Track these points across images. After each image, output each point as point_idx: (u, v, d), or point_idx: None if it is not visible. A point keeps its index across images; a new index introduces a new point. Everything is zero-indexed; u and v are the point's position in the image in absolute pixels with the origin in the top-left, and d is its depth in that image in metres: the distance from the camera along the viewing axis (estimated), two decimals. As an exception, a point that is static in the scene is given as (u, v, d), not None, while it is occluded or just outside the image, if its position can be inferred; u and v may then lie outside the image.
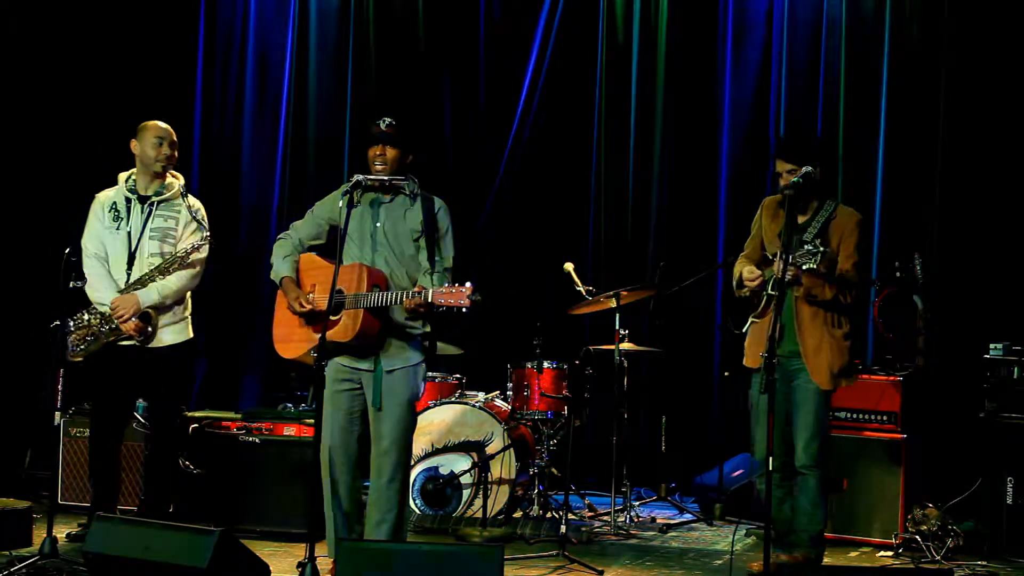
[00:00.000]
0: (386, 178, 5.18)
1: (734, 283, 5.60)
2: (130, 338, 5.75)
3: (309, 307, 5.14)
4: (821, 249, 5.20)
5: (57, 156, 8.25)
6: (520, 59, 8.31)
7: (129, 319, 5.71)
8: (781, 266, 5.05)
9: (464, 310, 4.84)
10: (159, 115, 6.08)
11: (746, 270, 5.47)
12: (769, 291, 5.42)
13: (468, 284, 4.84)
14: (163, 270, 5.77)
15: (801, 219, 5.46)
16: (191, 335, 5.94)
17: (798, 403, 5.47)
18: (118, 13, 8.33)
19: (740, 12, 8.00)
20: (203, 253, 5.89)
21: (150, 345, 5.79)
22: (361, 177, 5.12)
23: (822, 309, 5.43)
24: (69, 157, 8.25)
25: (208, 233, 5.90)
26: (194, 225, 5.87)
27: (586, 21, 8.27)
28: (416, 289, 5.01)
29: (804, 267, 5.20)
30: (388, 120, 5.21)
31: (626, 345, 6.87)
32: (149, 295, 5.75)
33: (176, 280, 5.80)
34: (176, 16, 8.54)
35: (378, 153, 5.20)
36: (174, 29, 8.53)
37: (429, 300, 4.90)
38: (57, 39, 8.28)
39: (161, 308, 5.79)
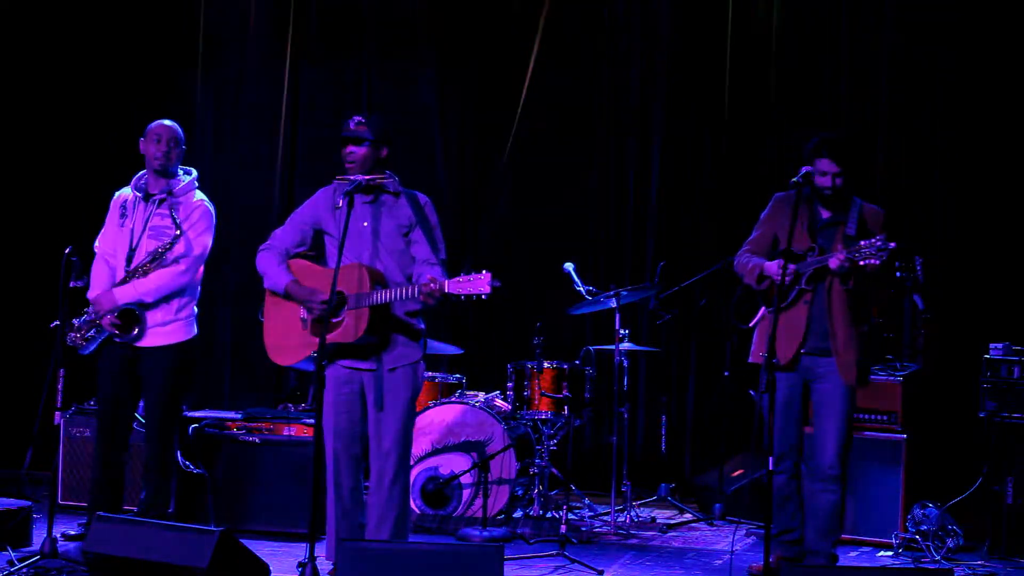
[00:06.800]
0: (368, 176, 5.10)
1: (752, 277, 5.50)
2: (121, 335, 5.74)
3: (327, 303, 4.96)
4: (889, 247, 5.17)
5: (58, 156, 8.26)
6: (521, 57, 8.30)
7: (105, 315, 5.68)
8: (838, 261, 5.18)
9: (484, 297, 4.79)
10: (160, 114, 6.07)
11: (775, 264, 5.36)
12: (803, 285, 5.38)
13: (485, 272, 4.80)
14: (144, 268, 5.73)
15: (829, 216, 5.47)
16: (191, 335, 5.84)
17: (824, 404, 5.38)
18: (123, 12, 8.36)
19: (741, 8, 7.99)
20: (192, 251, 5.73)
21: (140, 344, 5.76)
22: (362, 178, 5.08)
23: (855, 303, 5.38)
24: (70, 157, 8.27)
25: (180, 232, 5.68)
26: (190, 222, 5.77)
27: (587, 20, 8.27)
28: (429, 280, 4.87)
29: (862, 262, 5.18)
30: (357, 119, 5.15)
31: (626, 345, 6.87)
32: (126, 292, 5.68)
33: (155, 278, 5.69)
34: (178, 14, 8.54)
35: (349, 152, 5.14)
36: (176, 26, 8.54)
37: (446, 290, 4.82)
38: (56, 37, 8.29)
39: (148, 306, 5.71)
